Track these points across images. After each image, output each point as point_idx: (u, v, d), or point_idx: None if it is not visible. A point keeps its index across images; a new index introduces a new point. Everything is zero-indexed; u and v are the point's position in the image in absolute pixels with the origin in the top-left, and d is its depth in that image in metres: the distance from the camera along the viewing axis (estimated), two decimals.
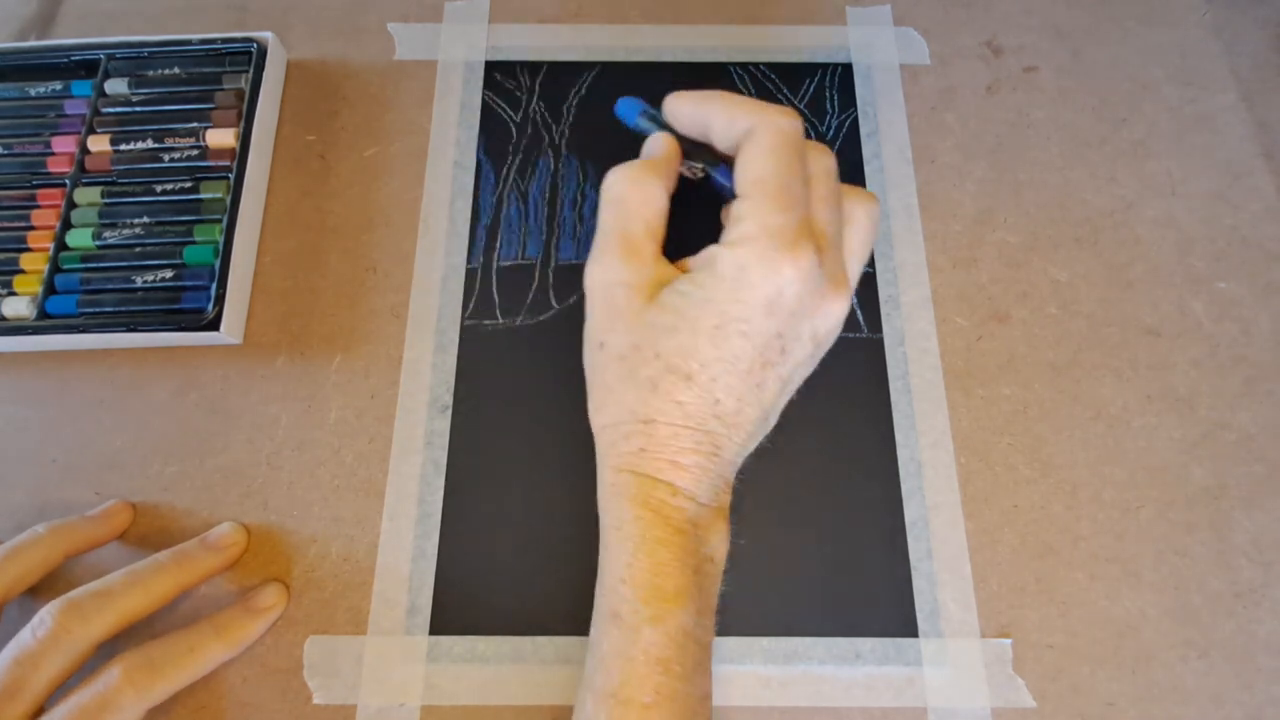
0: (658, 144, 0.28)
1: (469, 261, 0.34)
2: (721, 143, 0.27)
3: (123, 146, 0.35)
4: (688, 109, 0.27)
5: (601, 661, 0.24)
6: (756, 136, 0.25)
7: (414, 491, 0.31)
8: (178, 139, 0.35)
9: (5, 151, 0.35)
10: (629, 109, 0.29)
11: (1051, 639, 0.29)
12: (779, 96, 0.37)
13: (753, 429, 0.26)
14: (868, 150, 0.36)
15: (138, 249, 0.33)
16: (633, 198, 0.26)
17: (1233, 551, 0.30)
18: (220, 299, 0.32)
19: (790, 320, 0.24)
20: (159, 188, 0.34)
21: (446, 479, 0.31)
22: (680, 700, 0.23)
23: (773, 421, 0.27)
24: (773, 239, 0.24)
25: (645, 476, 0.25)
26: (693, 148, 0.28)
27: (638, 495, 0.24)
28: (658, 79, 0.30)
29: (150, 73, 0.36)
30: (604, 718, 0.23)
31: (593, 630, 0.25)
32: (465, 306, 0.34)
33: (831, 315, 0.25)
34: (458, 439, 0.31)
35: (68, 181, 0.34)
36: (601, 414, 0.26)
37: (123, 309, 0.32)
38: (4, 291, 0.32)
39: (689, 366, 0.24)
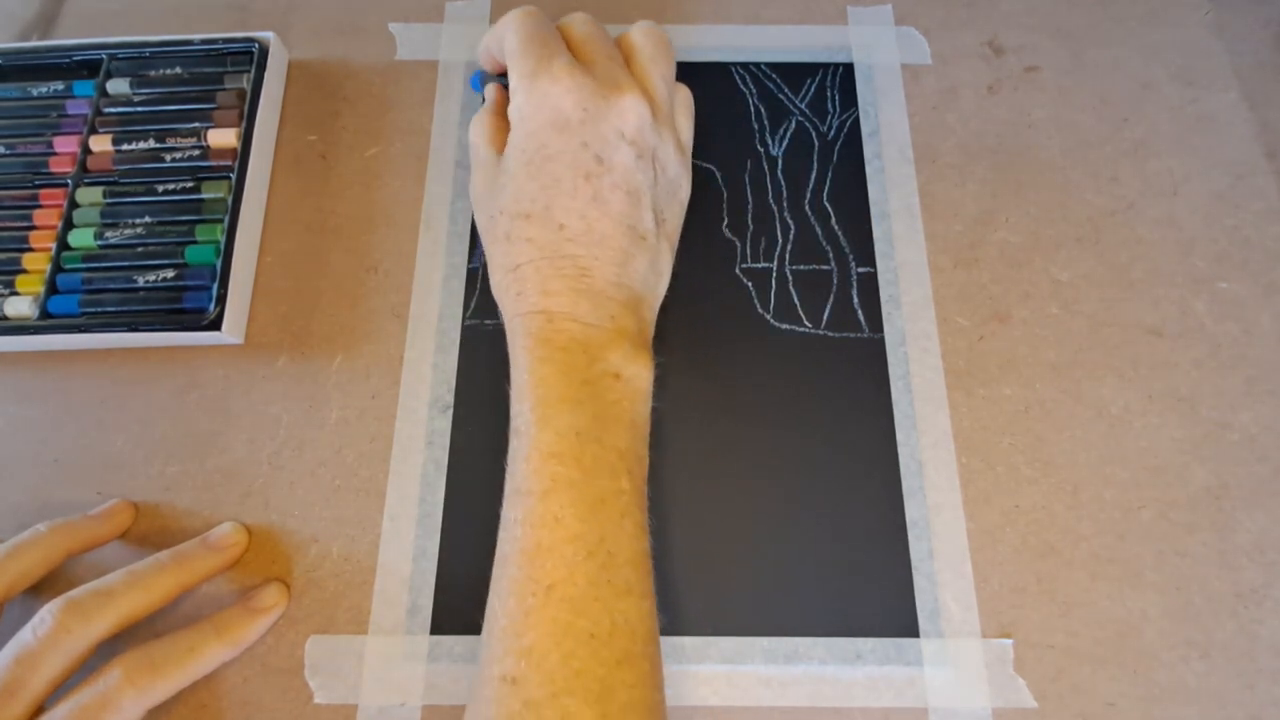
0: (486, 92, 0.33)
1: (470, 261, 0.34)
2: (505, 60, 0.30)
3: (124, 146, 0.35)
4: (481, 53, 0.32)
5: (510, 470, 0.26)
6: (504, 33, 0.29)
7: (415, 491, 0.31)
8: (179, 139, 0.35)
9: (7, 151, 0.35)
10: (475, 81, 0.34)
11: (1053, 639, 0.29)
12: (780, 97, 0.37)
13: (621, 244, 0.27)
14: (869, 150, 0.36)
15: (139, 249, 0.33)
16: (473, 131, 0.31)
17: (1234, 552, 0.30)
18: (221, 299, 0.32)
19: (585, 129, 0.27)
20: (160, 187, 0.34)
21: (448, 479, 0.31)
22: (578, 488, 0.25)
23: (658, 243, 0.29)
24: (529, 77, 0.27)
25: (526, 314, 0.27)
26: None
27: (525, 330, 0.27)
28: None
29: (152, 73, 0.36)
30: (513, 512, 0.25)
31: (508, 454, 0.27)
32: (467, 306, 0.34)
33: (628, 113, 0.28)
34: (459, 439, 0.31)
35: (70, 181, 0.34)
36: (492, 283, 0.29)
37: (124, 309, 0.32)
38: (6, 291, 0.32)
39: (524, 207, 0.27)
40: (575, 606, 0.23)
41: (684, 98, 0.32)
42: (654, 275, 0.29)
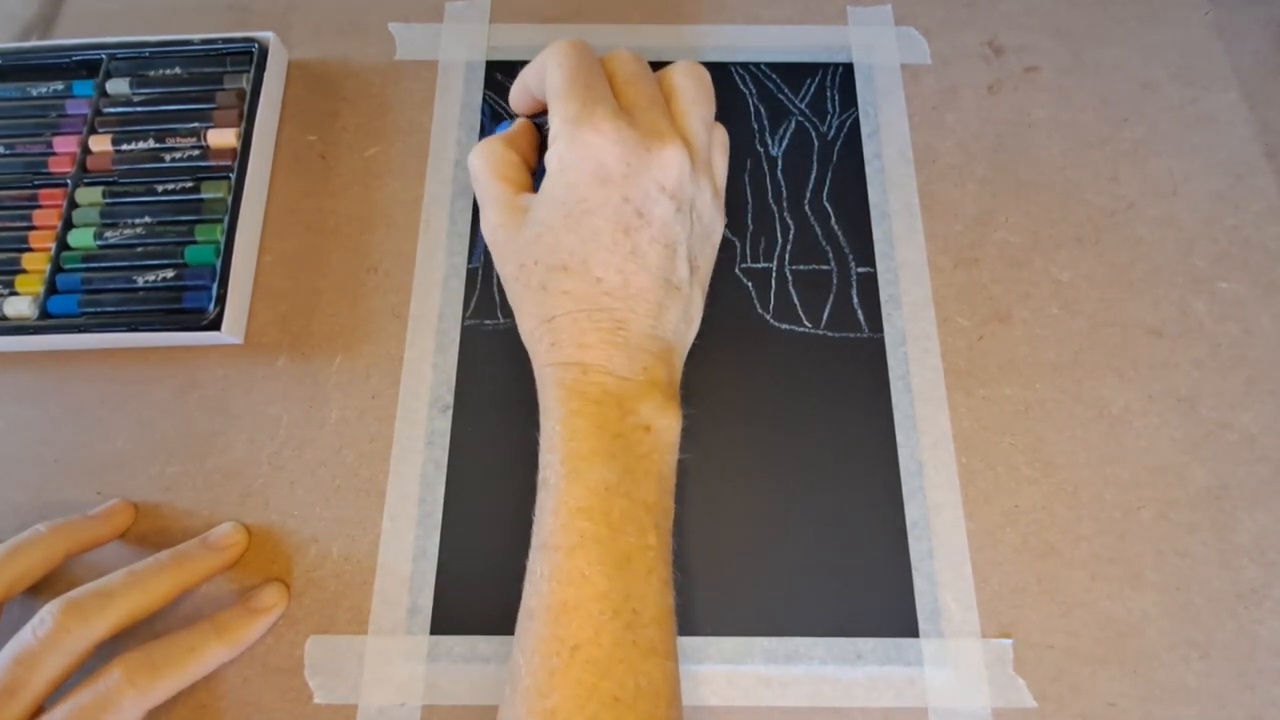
0: (512, 125, 0.32)
1: (470, 261, 0.34)
2: (545, 96, 0.29)
3: (124, 146, 0.35)
4: (515, 89, 0.31)
5: (536, 522, 0.26)
6: (547, 66, 0.28)
7: (415, 491, 0.31)
8: (179, 139, 0.35)
9: (7, 151, 0.35)
10: (504, 130, 0.32)
11: (1052, 639, 0.29)
12: (780, 97, 0.37)
13: (656, 298, 0.27)
14: (869, 150, 0.36)
15: (139, 249, 0.33)
16: (477, 162, 0.29)
17: (1234, 552, 0.30)
18: (221, 299, 0.32)
19: (627, 182, 0.27)
20: (160, 187, 0.34)
21: (447, 479, 0.31)
22: (605, 545, 0.24)
23: (691, 291, 0.29)
24: (572, 123, 0.27)
25: (559, 365, 0.27)
26: (539, 115, 0.31)
27: (557, 380, 0.27)
28: None
29: (151, 73, 0.36)
30: (539, 566, 0.25)
31: (535, 505, 0.27)
32: (466, 306, 0.34)
33: (669, 166, 0.27)
34: (459, 439, 0.31)
35: (69, 181, 0.34)
36: (521, 329, 0.29)
37: (124, 309, 0.32)
38: (6, 291, 0.32)
39: (561, 259, 0.27)
40: (600, 668, 0.23)
41: (720, 138, 0.31)
42: (685, 324, 0.29)
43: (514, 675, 0.24)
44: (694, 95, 0.29)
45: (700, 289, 0.30)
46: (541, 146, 0.31)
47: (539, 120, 0.31)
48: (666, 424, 0.27)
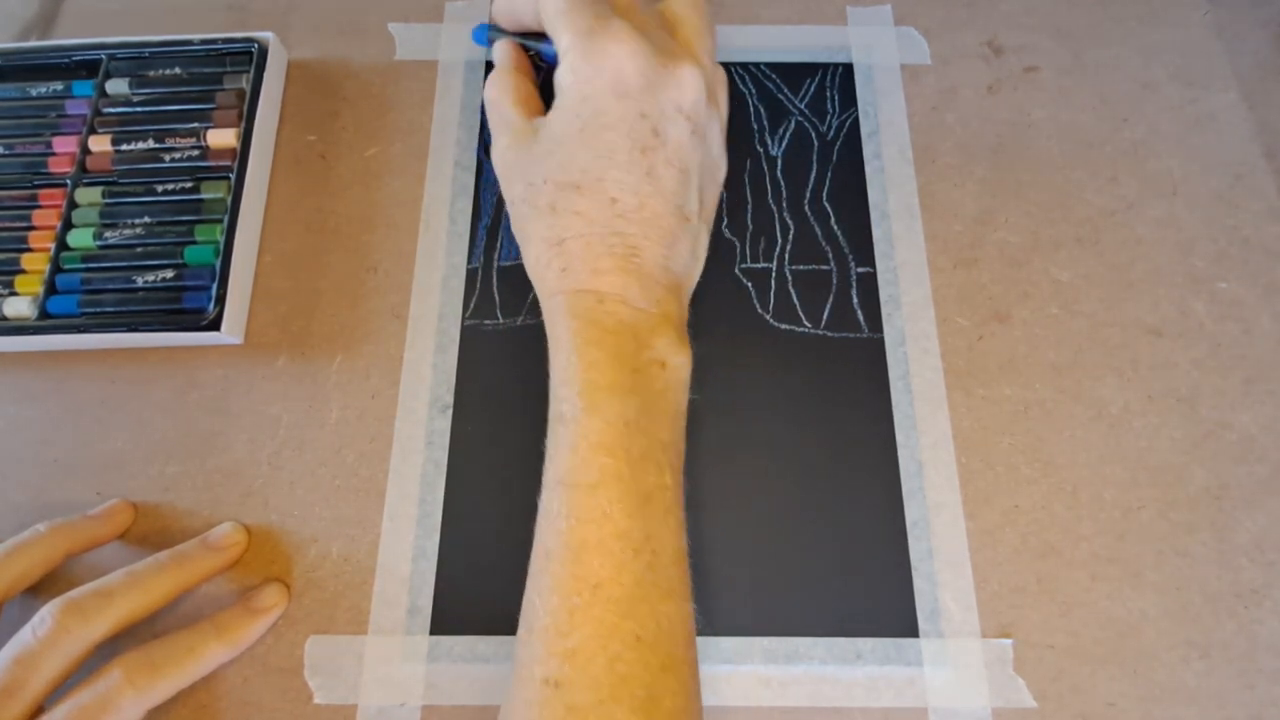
0: (498, 49, 0.31)
1: (470, 261, 0.34)
2: (538, 21, 0.28)
3: (124, 146, 0.35)
4: (503, 8, 0.30)
5: (551, 458, 0.25)
6: None
7: (415, 491, 0.31)
8: (178, 139, 0.35)
9: (6, 151, 0.35)
10: (480, 34, 0.33)
11: (1052, 639, 0.29)
12: (779, 97, 0.37)
13: (670, 225, 0.26)
14: (868, 150, 0.36)
15: (139, 249, 0.33)
16: (493, 92, 0.29)
17: (1234, 552, 0.30)
18: (221, 299, 0.32)
19: (645, 97, 0.25)
20: (160, 188, 0.34)
21: (447, 479, 0.31)
22: (625, 483, 0.24)
23: (699, 225, 0.28)
24: (586, 35, 0.25)
25: (572, 292, 0.26)
26: (528, 37, 0.31)
27: (569, 309, 0.26)
28: None
29: (151, 73, 0.36)
30: (556, 504, 0.24)
31: (547, 440, 0.26)
32: (466, 306, 0.34)
33: (686, 86, 0.26)
34: (458, 439, 0.31)
35: (69, 181, 0.34)
36: (527, 259, 0.28)
37: (124, 309, 0.32)
38: (5, 291, 0.32)
39: (573, 176, 0.26)
40: (622, 608, 0.22)
41: (722, 77, 0.30)
42: (693, 260, 0.28)
43: (530, 615, 0.23)
44: (699, 26, 0.28)
45: (706, 227, 0.29)
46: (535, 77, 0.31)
47: (526, 44, 0.31)
48: (680, 361, 0.26)
